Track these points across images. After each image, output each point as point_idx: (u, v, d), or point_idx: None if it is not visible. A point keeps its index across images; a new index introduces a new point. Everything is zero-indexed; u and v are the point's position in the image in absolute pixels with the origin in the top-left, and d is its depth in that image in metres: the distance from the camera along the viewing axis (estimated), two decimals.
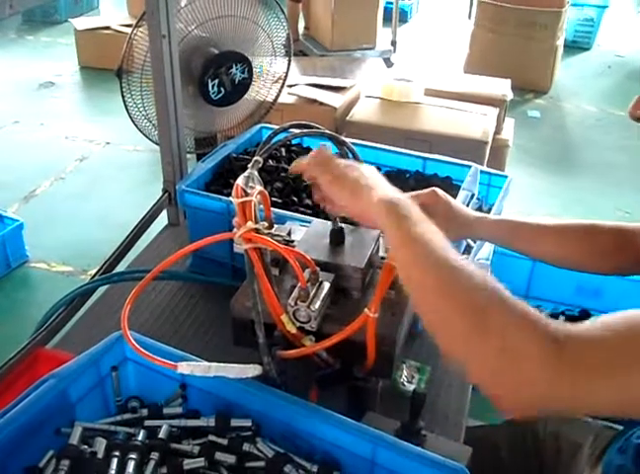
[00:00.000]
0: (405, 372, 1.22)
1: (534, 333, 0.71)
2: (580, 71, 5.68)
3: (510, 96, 3.35)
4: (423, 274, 0.79)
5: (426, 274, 0.79)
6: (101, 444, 0.87)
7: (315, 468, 0.87)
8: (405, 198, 0.87)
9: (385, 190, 0.89)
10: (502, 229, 1.16)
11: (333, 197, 0.95)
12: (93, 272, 1.46)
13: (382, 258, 1.01)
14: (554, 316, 2.49)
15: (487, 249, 1.86)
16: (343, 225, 1.06)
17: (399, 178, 1.56)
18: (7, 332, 2.59)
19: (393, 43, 5.18)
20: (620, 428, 1.29)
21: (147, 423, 0.94)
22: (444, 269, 0.77)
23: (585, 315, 2.50)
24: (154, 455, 0.87)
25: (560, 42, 5.00)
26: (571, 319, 2.50)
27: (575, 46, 6.02)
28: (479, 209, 1.51)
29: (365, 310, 0.90)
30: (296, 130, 1.11)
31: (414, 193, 1.07)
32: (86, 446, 0.88)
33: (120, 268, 1.52)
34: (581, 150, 4.36)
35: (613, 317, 0.72)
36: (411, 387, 1.19)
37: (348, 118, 3.06)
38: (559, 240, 1.16)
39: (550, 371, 0.69)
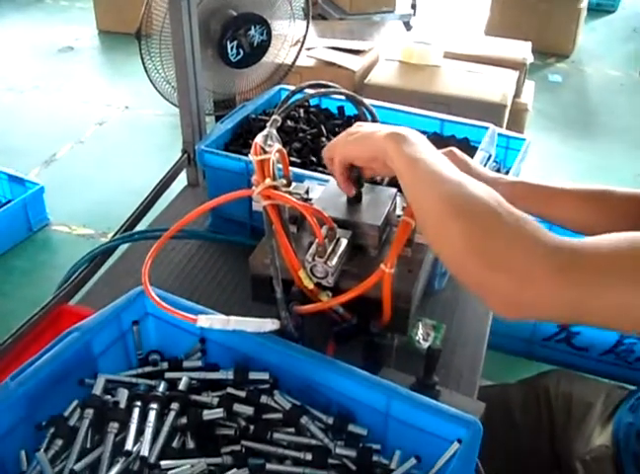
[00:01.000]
0: (421, 330, 1.24)
1: (537, 238, 0.72)
2: (604, 35, 5.59)
3: (530, 59, 3.32)
4: (429, 190, 0.81)
5: (432, 190, 0.81)
6: (123, 395, 0.90)
7: (331, 420, 0.89)
8: (412, 131, 0.88)
9: (390, 127, 0.90)
10: (518, 190, 1.15)
11: (350, 155, 0.95)
12: (113, 234, 1.48)
13: (399, 216, 1.02)
14: None
15: None
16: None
17: None
18: (30, 293, 2.65)
19: (413, 6, 5.11)
20: (632, 387, 1.31)
21: (167, 375, 0.96)
22: (452, 185, 0.80)
23: None
24: (174, 406, 0.89)
25: (584, 5, 4.92)
26: None
27: (599, 9, 5.91)
28: (497, 172, 1.51)
29: (382, 266, 0.91)
30: (314, 90, 1.12)
31: None
32: (109, 396, 0.91)
33: (141, 228, 1.54)
34: (603, 115, 4.31)
35: (617, 236, 0.73)
36: (426, 345, 1.20)
37: (366, 80, 3.05)
38: (575, 204, 1.14)
39: (554, 272, 0.70)
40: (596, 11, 5.80)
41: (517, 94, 3.24)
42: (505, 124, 2.92)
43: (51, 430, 0.86)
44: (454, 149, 1.11)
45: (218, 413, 0.89)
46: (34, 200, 3.04)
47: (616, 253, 0.70)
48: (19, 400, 0.85)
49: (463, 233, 0.76)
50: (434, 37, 3.36)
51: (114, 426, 0.86)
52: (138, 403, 0.89)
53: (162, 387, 0.92)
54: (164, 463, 0.82)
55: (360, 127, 0.95)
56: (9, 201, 3.04)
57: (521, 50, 3.36)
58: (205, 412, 0.89)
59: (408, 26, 4.80)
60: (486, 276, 0.74)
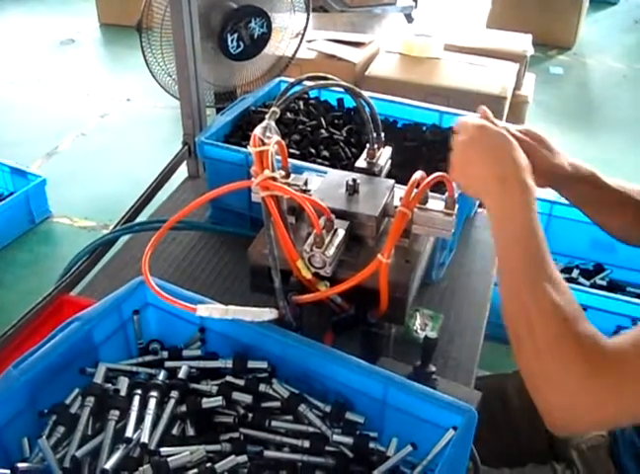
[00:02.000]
0: (418, 320, 1.25)
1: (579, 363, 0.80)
2: (606, 27, 5.57)
3: (530, 51, 3.32)
4: (520, 260, 0.88)
5: (521, 262, 0.87)
6: (124, 383, 0.91)
7: (328, 408, 0.91)
8: (518, 174, 0.91)
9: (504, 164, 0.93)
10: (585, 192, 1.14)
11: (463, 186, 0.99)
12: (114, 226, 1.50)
13: (396, 207, 1.03)
14: (568, 270, 2.51)
15: None
16: (358, 175, 1.08)
17: (416, 131, 1.57)
18: (32, 284, 2.66)
19: None
20: None
21: (167, 364, 0.97)
22: (541, 263, 0.86)
23: (599, 269, 2.52)
24: (174, 394, 0.90)
25: None
26: (585, 272, 2.51)
27: (601, 1, 5.89)
28: None
29: (378, 256, 0.92)
30: (313, 82, 1.13)
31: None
32: (109, 385, 0.92)
33: (141, 219, 1.55)
34: (605, 107, 4.30)
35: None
36: (424, 334, 1.21)
37: (366, 73, 3.06)
38: (631, 215, 1.12)
39: (595, 380, 0.78)
40: (597, 3, 5.77)
41: (517, 86, 3.24)
42: (505, 117, 2.93)
43: (53, 417, 0.88)
44: (539, 142, 1.07)
45: (217, 401, 0.90)
46: (36, 193, 3.05)
47: None
48: (21, 388, 0.86)
49: (521, 347, 0.87)
50: (434, 29, 3.36)
51: (114, 413, 0.87)
52: (139, 391, 0.90)
53: (162, 376, 0.94)
54: (164, 450, 0.83)
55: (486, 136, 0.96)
56: (11, 194, 3.06)
57: (522, 43, 3.36)
58: (205, 400, 0.90)
59: (409, 18, 4.78)
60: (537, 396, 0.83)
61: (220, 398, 0.90)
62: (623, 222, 1.13)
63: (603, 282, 2.49)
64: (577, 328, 0.82)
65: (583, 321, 0.83)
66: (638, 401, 0.79)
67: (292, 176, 1.07)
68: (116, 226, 1.49)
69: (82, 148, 3.71)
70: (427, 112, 1.62)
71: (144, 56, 1.81)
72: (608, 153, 3.70)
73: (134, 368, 0.97)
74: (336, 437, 0.87)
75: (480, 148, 0.96)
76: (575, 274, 2.49)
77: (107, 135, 3.84)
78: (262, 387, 0.92)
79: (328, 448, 0.88)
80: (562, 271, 2.51)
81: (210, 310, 0.91)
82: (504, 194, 0.91)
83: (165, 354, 1.00)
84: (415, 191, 0.95)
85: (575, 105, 4.29)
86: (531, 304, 0.84)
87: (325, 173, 1.15)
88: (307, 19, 2.07)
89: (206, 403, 0.90)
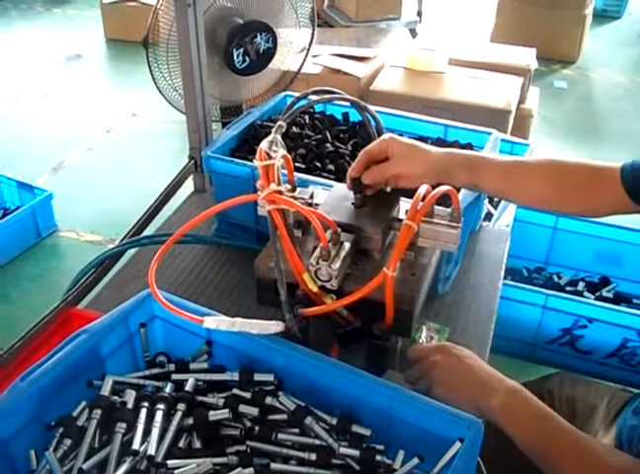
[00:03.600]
0: (424, 333, 1.25)
1: None
2: (609, 41, 5.59)
3: (534, 65, 3.33)
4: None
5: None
6: (130, 396, 0.92)
7: (335, 421, 0.91)
8: (516, 392, 1.00)
9: (495, 385, 1.00)
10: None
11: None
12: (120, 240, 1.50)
13: (401, 220, 1.03)
14: (574, 283, 2.50)
15: (508, 216, 1.89)
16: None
17: None
18: (38, 299, 2.67)
19: (419, 14, 5.13)
20: (635, 390, 1.31)
21: (174, 377, 0.97)
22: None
23: (605, 282, 2.52)
24: (181, 406, 0.90)
25: (589, 11, 4.92)
26: (590, 285, 2.51)
27: (605, 15, 5.91)
28: None
29: (384, 269, 0.93)
30: (319, 96, 1.14)
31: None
32: (116, 397, 0.93)
33: (148, 233, 1.55)
34: (609, 121, 4.31)
35: None
36: None
37: (371, 87, 3.07)
38: (527, 177, 1.16)
39: None
40: (601, 17, 5.80)
41: (521, 100, 3.25)
42: (509, 130, 2.94)
43: (60, 429, 0.88)
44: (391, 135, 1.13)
45: (224, 414, 0.90)
46: (42, 207, 3.06)
47: None
48: (28, 400, 0.86)
49: None
50: (439, 43, 3.37)
51: (121, 426, 0.87)
52: (146, 404, 0.90)
53: (169, 388, 0.94)
54: (170, 462, 0.83)
55: (461, 358, 1.06)
56: (18, 208, 3.07)
57: (526, 57, 3.38)
58: (211, 413, 0.90)
59: (414, 33, 4.81)
60: None
61: (227, 411, 0.91)
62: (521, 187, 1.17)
63: (610, 295, 2.48)
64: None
65: None
66: None
67: (298, 189, 1.08)
68: (122, 240, 1.50)
69: (88, 163, 3.73)
70: (432, 125, 1.63)
71: (150, 71, 1.82)
72: None
73: (141, 381, 0.97)
74: (342, 450, 0.87)
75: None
76: (580, 286, 2.49)
77: (112, 150, 3.86)
78: (268, 400, 0.93)
79: (335, 461, 0.88)
80: (567, 284, 2.51)
81: (217, 322, 0.91)
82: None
83: (172, 366, 1.00)
84: (420, 204, 0.96)
85: (579, 119, 4.30)
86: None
87: (331, 186, 1.15)
88: (312, 34, 2.09)
89: (213, 416, 0.90)
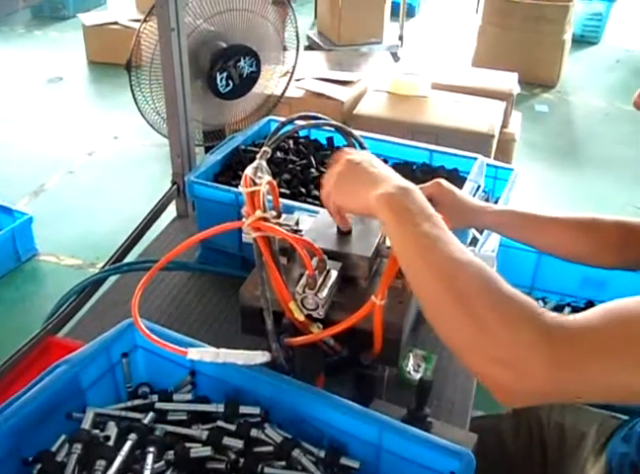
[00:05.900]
0: (412, 361, 1.24)
1: (528, 326, 0.72)
2: (588, 66, 5.66)
3: (517, 90, 3.36)
4: (421, 266, 0.80)
5: (423, 266, 0.80)
6: (113, 430, 0.89)
7: (322, 453, 0.89)
8: (404, 188, 0.86)
9: (387, 181, 0.88)
10: (506, 218, 1.17)
11: (345, 207, 0.96)
12: (101, 265, 1.48)
13: (388, 247, 1.02)
14: (559, 308, 2.50)
15: (493, 241, 1.87)
16: (350, 216, 1.07)
17: (406, 170, 1.57)
18: (18, 324, 2.62)
19: (400, 38, 5.18)
20: (625, 417, 1.30)
21: (157, 405, 0.95)
22: (442, 261, 0.79)
23: (590, 306, 2.51)
24: (160, 439, 0.88)
25: (568, 37, 4.99)
26: (577, 311, 2.50)
27: (583, 41, 5.99)
28: (486, 202, 1.52)
29: (372, 298, 0.91)
30: (304, 122, 1.13)
31: (419, 186, 1.07)
32: (97, 431, 0.90)
33: (130, 259, 1.53)
34: (589, 145, 4.35)
35: (604, 307, 0.74)
36: (417, 376, 1.20)
37: (355, 111, 3.07)
38: (563, 232, 1.16)
39: (547, 362, 0.69)
40: (580, 42, 5.88)
41: (504, 124, 3.27)
42: (493, 154, 2.95)
43: (38, 466, 0.85)
44: (441, 180, 1.12)
45: (206, 451, 0.88)
46: (22, 231, 3.02)
47: (608, 334, 0.71)
48: (5, 435, 0.83)
49: (458, 327, 0.75)
50: (421, 68, 3.39)
51: (101, 463, 0.84)
52: (128, 443, 0.87)
53: (148, 419, 0.91)
54: None
55: (352, 162, 0.94)
56: None
57: (508, 81, 3.40)
58: (193, 450, 0.88)
59: (395, 57, 4.85)
60: (483, 369, 0.74)
61: (209, 448, 0.88)
62: (552, 239, 1.17)
63: None
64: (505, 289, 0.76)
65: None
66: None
67: (284, 216, 1.06)
68: (104, 266, 1.48)
69: (69, 186, 3.70)
70: (417, 150, 1.62)
71: (133, 95, 1.81)
72: (594, 189, 3.73)
73: (123, 413, 0.95)
74: None
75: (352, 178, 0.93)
76: (567, 311, 2.48)
77: (94, 173, 3.83)
78: (254, 432, 0.90)
79: None
80: (554, 309, 2.50)
81: (201, 354, 0.89)
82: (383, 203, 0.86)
83: (155, 397, 0.98)
84: None
85: (560, 142, 4.33)
86: (455, 280, 0.77)
87: (316, 213, 1.14)
88: (296, 58, 2.09)
89: (195, 453, 0.88)
